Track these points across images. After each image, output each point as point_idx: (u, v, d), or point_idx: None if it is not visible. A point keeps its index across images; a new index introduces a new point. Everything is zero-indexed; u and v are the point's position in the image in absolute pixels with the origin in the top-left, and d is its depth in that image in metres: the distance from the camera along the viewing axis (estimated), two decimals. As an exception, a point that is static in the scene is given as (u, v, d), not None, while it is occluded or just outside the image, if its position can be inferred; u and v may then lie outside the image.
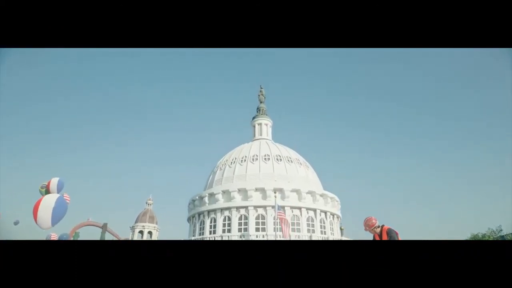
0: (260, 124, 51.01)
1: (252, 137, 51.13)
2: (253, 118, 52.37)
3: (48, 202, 22.23)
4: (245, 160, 42.53)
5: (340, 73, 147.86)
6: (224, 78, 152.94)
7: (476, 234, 40.28)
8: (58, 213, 22.34)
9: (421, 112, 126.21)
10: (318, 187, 42.69)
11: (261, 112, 52.24)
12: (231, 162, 43.49)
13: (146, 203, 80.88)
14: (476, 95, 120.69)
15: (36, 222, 21.71)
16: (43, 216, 21.68)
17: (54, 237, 35.53)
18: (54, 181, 24.59)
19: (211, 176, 45.90)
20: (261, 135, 50.09)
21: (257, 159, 42.25)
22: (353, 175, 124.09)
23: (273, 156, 42.52)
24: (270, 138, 50.36)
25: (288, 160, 42.65)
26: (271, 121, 52.16)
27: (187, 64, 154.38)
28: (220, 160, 46.49)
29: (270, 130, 51.37)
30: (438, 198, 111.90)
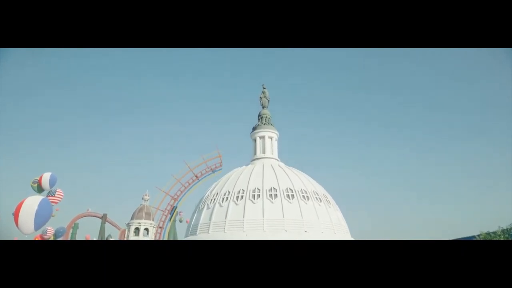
0: (262, 138, 38.18)
1: (252, 155, 38.44)
2: (253, 128, 39.49)
3: (30, 205, 19.91)
4: (242, 197, 29.92)
5: (344, 68, 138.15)
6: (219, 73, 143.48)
7: (487, 233, 34.51)
8: (42, 216, 20.20)
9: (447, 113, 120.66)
10: (346, 238, 30.25)
11: (263, 121, 39.31)
12: (223, 198, 30.88)
13: (143, 199, 71.90)
14: (480, 91, 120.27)
15: (17, 227, 19.52)
16: (25, 220, 19.49)
17: (51, 231, 35.44)
18: (46, 176, 23.34)
19: (195, 215, 33.39)
20: (264, 152, 37.35)
21: (259, 195, 29.65)
22: (356, 168, 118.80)
23: (282, 191, 29.88)
24: (276, 157, 37.68)
25: (304, 197, 30.05)
26: (278, 133, 39.31)
27: (183, 58, 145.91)
28: (208, 192, 33.92)
29: (276, 145, 38.56)
30: (447, 196, 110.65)
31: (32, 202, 20.55)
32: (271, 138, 38.35)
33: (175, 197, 67.34)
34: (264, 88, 41.19)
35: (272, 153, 37.52)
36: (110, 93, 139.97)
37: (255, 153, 37.92)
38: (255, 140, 38.66)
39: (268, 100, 40.70)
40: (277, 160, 37.28)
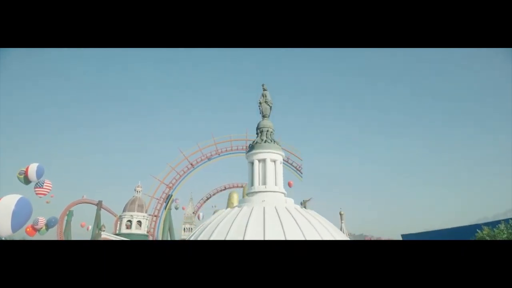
0: (262, 161, 27.37)
1: (248, 186, 27.82)
2: (250, 147, 28.62)
3: (7, 204, 20.12)
4: (231, 273, 19.50)
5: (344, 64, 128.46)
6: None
7: (490, 228, 33.90)
8: (21, 216, 20.52)
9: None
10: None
11: (264, 136, 28.29)
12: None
13: (135, 190, 68.70)
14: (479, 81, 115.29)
15: None
16: (1, 221, 19.85)
17: (42, 221, 41.30)
18: (32, 167, 28.67)
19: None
20: (264, 183, 26.65)
21: (258, 270, 19.24)
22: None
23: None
24: (282, 189, 27.08)
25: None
26: (283, 154, 28.51)
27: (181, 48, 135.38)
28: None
29: (281, 171, 27.80)
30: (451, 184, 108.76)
31: (9, 202, 19.50)
32: (274, 161, 27.52)
33: (170, 185, 58.13)
34: (264, 90, 29.80)
35: (276, 184, 26.81)
36: (105, 83, 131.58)
37: (252, 184, 27.24)
38: (252, 164, 27.89)
39: (271, 107, 29.53)
40: (283, 194, 26.72)
